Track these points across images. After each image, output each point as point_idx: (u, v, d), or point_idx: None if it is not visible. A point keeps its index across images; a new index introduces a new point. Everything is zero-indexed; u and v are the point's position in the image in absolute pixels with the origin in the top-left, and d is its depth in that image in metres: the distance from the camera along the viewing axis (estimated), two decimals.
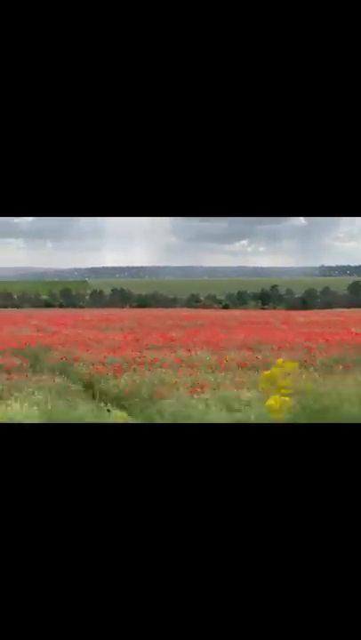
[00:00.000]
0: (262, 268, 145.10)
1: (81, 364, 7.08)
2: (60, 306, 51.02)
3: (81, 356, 7.66)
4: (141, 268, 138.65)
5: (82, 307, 50.69)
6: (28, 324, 16.37)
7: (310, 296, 55.42)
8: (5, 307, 48.60)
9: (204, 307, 51.18)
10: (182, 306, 57.83)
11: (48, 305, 51.07)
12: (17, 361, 7.34)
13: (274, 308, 45.89)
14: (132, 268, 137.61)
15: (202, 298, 62.77)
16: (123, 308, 47.42)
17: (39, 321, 18.28)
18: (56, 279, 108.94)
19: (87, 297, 62.39)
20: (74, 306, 51.45)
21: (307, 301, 50.63)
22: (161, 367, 6.48)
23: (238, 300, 61.15)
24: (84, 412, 4.53)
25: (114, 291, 64.08)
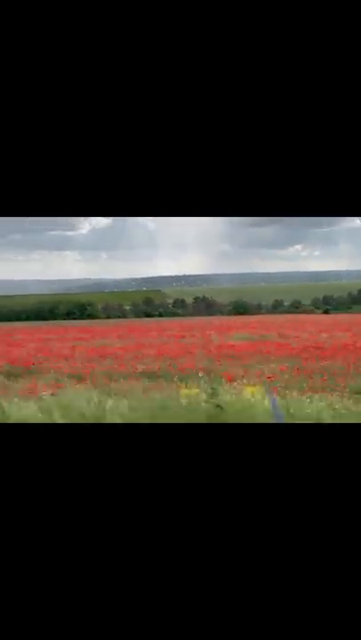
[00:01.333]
0: (320, 272, 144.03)
1: None
2: (160, 315, 51.75)
3: None
4: (198, 275, 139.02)
5: (182, 315, 51.22)
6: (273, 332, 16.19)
7: None
8: (109, 317, 49.47)
9: (306, 312, 51.06)
10: (268, 312, 57.73)
11: (148, 315, 51.81)
12: None
13: None
14: (189, 276, 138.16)
15: (285, 304, 62.64)
16: (211, 316, 47.78)
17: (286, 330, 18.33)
18: (115, 289, 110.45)
19: (170, 306, 62.96)
20: (173, 315, 52.07)
21: None
22: None
23: (325, 304, 60.77)
24: None
25: (196, 299, 64.67)
